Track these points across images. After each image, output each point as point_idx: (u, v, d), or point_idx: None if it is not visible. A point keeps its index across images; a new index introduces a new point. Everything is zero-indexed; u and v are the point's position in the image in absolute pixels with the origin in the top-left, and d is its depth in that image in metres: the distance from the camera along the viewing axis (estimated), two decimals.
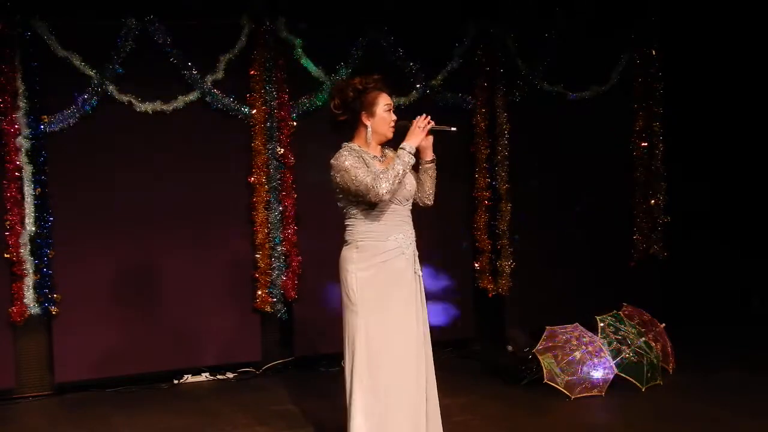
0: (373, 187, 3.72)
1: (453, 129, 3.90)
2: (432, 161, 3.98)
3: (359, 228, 3.86)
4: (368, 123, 3.88)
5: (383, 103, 3.87)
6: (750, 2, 6.90)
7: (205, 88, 5.99)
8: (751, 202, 7.36)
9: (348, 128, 3.93)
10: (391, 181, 3.73)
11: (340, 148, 3.89)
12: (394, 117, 3.91)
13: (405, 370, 3.82)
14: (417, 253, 3.96)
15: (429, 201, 4.06)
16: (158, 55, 5.89)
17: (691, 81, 7.14)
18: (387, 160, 3.92)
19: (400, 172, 3.77)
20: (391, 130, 3.90)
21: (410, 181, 3.93)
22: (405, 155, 3.79)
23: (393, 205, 3.86)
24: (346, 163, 3.79)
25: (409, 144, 3.81)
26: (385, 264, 3.85)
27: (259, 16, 6.09)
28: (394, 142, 3.95)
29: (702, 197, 7.28)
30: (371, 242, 3.86)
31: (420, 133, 3.83)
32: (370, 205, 3.82)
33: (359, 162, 3.80)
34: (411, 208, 3.98)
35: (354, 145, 3.90)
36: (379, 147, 3.96)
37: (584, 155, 6.92)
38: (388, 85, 3.93)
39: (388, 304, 3.83)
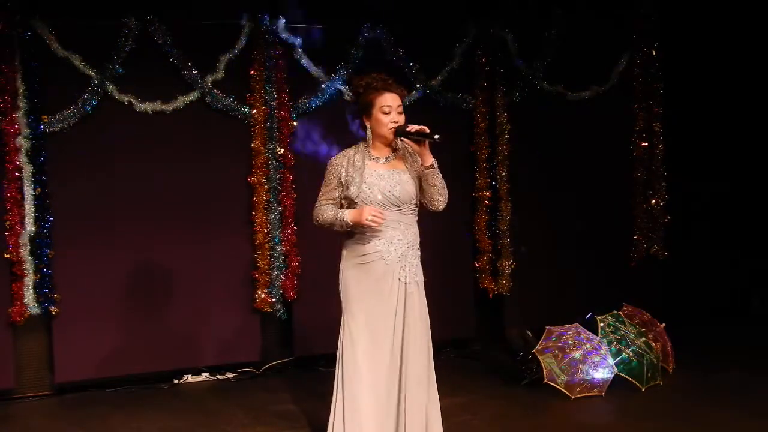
0: (314, 209, 3.96)
1: (436, 137, 3.79)
2: (429, 167, 3.89)
3: (343, 230, 3.94)
4: (367, 124, 3.91)
5: (380, 104, 3.86)
6: (750, 2, 6.91)
7: (205, 88, 5.99)
8: (751, 202, 7.37)
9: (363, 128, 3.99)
10: (318, 221, 3.94)
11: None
12: (395, 118, 3.87)
13: (376, 373, 3.83)
14: (412, 261, 3.91)
15: (433, 207, 3.97)
16: (158, 55, 5.89)
17: (691, 81, 7.14)
18: (393, 164, 3.92)
19: (328, 224, 3.90)
20: (391, 131, 3.88)
21: (401, 186, 3.88)
22: (339, 219, 3.85)
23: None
24: (328, 168, 3.95)
25: (349, 217, 3.83)
26: (364, 266, 3.89)
27: (259, 16, 6.09)
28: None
29: (702, 197, 7.29)
30: (353, 243, 3.93)
31: (361, 220, 3.79)
32: (350, 206, 3.89)
33: (336, 176, 3.89)
34: (409, 213, 3.94)
35: (362, 144, 3.96)
36: (390, 148, 3.95)
37: (584, 155, 6.91)
38: (393, 84, 3.92)
39: (364, 306, 3.87)
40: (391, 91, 3.89)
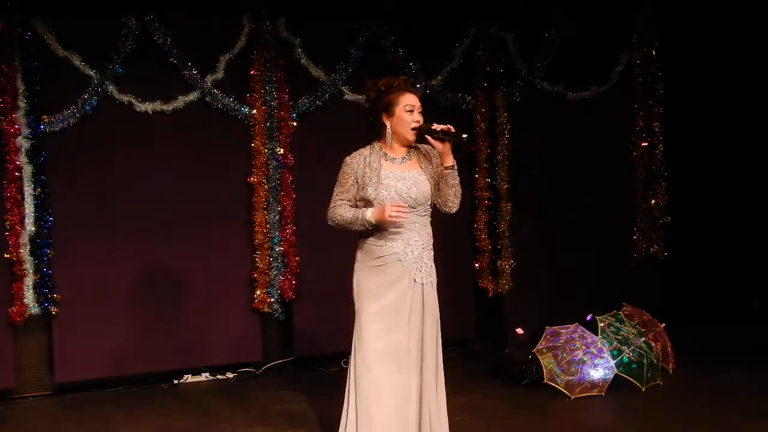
0: (329, 209, 3.93)
1: (464, 136, 3.83)
2: (449, 168, 3.90)
3: (363, 229, 3.90)
4: (388, 123, 3.90)
5: (404, 103, 3.86)
6: (750, 2, 6.90)
7: (205, 88, 5.99)
8: (751, 202, 7.37)
9: (377, 129, 3.95)
10: (336, 221, 3.90)
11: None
12: (417, 118, 3.88)
13: (389, 374, 3.81)
14: (427, 262, 3.92)
15: (447, 208, 3.98)
16: (158, 55, 5.89)
17: (691, 81, 7.14)
18: (408, 165, 3.91)
19: (347, 223, 3.85)
20: (413, 132, 3.88)
21: (417, 187, 3.88)
22: (362, 218, 3.81)
23: None
24: (343, 168, 3.91)
25: (372, 215, 3.79)
26: (380, 268, 3.86)
27: (259, 16, 6.10)
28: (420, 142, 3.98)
29: (702, 197, 7.29)
30: (369, 245, 3.90)
31: (384, 217, 3.75)
32: (367, 207, 3.86)
33: (352, 175, 3.86)
34: (424, 214, 3.93)
35: (376, 144, 3.94)
36: (406, 148, 3.94)
37: (584, 155, 6.91)
38: (414, 86, 3.94)
39: (379, 308, 3.85)
40: (413, 93, 3.92)
